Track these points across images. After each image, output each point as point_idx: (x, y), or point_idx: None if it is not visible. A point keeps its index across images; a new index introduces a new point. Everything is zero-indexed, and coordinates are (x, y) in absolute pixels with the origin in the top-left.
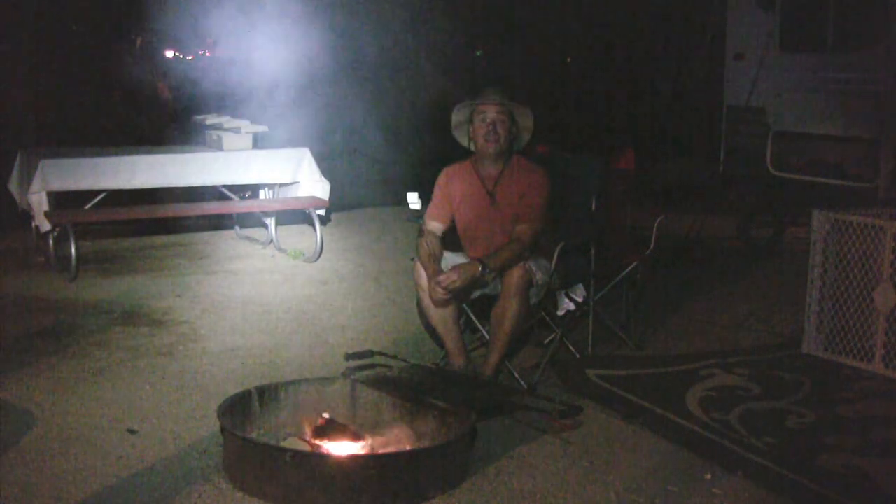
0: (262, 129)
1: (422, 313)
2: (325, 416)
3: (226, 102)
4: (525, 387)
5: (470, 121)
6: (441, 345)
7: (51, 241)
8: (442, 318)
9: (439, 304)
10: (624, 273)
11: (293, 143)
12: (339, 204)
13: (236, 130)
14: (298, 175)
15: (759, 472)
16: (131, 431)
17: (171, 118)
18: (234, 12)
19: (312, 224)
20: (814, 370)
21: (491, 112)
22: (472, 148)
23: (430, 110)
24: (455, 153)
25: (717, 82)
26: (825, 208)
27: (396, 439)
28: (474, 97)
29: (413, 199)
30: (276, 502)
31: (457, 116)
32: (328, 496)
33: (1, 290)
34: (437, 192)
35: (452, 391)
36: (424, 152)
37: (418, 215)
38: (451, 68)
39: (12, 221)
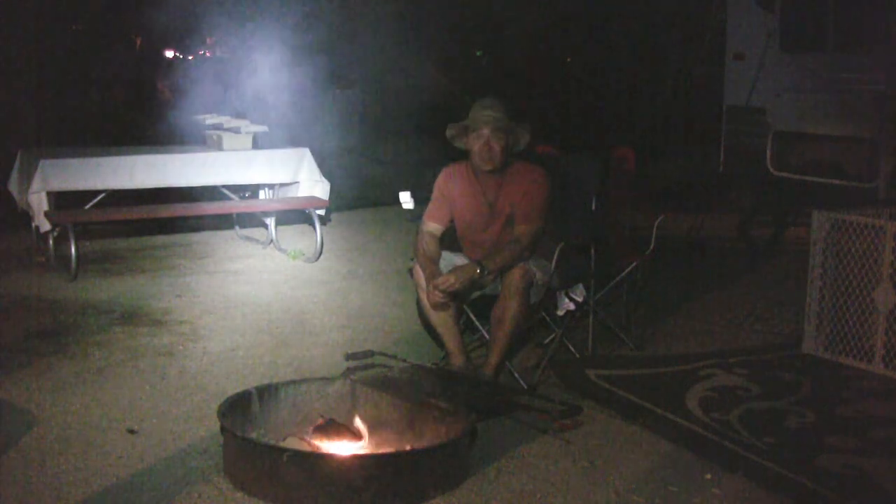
0: (262, 129)
1: (422, 313)
2: (325, 416)
3: (226, 102)
4: (525, 387)
5: (466, 131)
6: (441, 345)
7: (51, 241)
8: (442, 318)
9: (438, 305)
10: (624, 273)
11: (293, 143)
12: (339, 204)
13: (236, 130)
14: (298, 175)
15: (759, 472)
16: (131, 431)
17: (170, 118)
18: (234, 13)
19: (312, 224)
20: (814, 370)
21: (487, 130)
22: (468, 151)
23: (430, 110)
24: (454, 153)
25: (718, 82)
26: (825, 208)
27: (396, 439)
28: (470, 117)
29: (405, 199)
30: (276, 502)
31: (451, 131)
32: (328, 496)
33: (1, 290)
34: (437, 193)
35: (452, 391)
36: (424, 152)
37: (413, 215)
38: (452, 68)
39: (12, 221)
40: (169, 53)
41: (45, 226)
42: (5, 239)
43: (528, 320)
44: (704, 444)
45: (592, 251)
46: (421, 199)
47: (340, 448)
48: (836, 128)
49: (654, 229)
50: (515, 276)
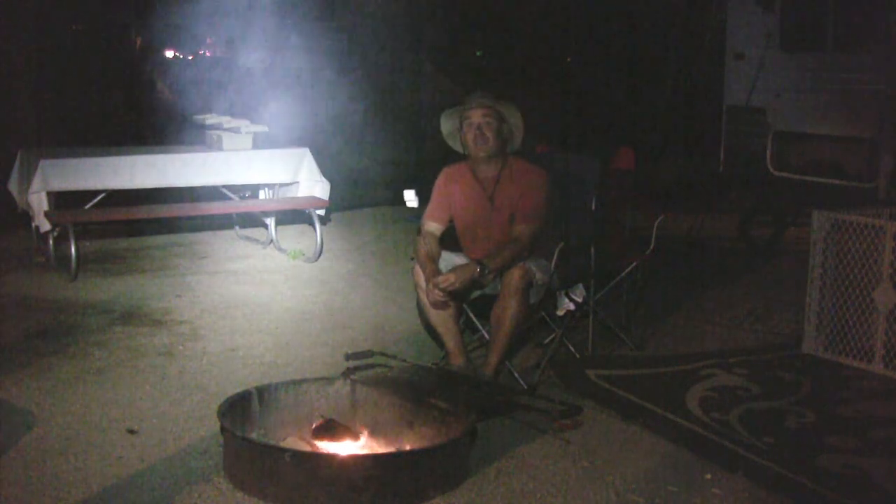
0: (262, 129)
1: (422, 313)
2: (325, 416)
3: (226, 102)
4: (525, 387)
5: (460, 128)
6: (441, 345)
7: (51, 241)
8: (441, 318)
9: (438, 305)
10: (624, 273)
11: (293, 142)
12: (339, 204)
13: (236, 130)
14: (298, 175)
15: (759, 472)
16: (131, 431)
17: (170, 118)
18: (234, 13)
19: (312, 224)
20: (814, 370)
21: (476, 116)
22: (467, 153)
23: (430, 110)
24: (453, 153)
25: (718, 82)
26: (825, 208)
27: (396, 439)
28: (459, 105)
29: (410, 197)
30: (276, 502)
31: (446, 126)
32: (328, 496)
33: (1, 290)
34: (436, 193)
35: (452, 391)
36: (424, 152)
37: (416, 214)
38: (451, 68)
39: (12, 221)
40: (169, 53)
41: (45, 226)
42: (5, 239)
43: (528, 320)
44: (704, 444)
45: (592, 251)
46: (425, 198)
47: (340, 448)
48: (836, 128)
49: (654, 229)
50: (515, 276)
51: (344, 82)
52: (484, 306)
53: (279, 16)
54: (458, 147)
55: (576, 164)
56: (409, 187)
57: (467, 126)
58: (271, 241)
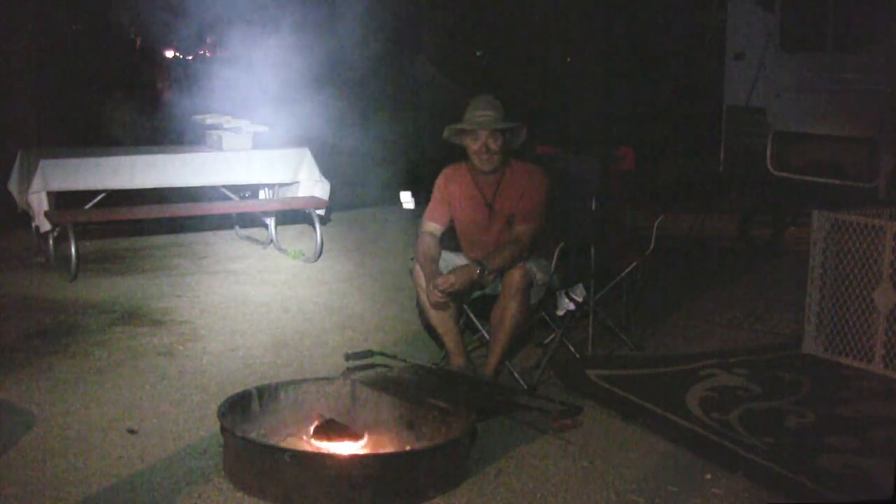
0: (262, 129)
1: (422, 313)
2: (325, 416)
3: (225, 102)
4: (525, 387)
5: (463, 132)
6: (441, 345)
7: (51, 241)
8: (441, 318)
9: (438, 305)
10: (624, 273)
11: (293, 142)
12: (339, 204)
13: (236, 130)
14: (298, 175)
15: (759, 472)
16: (131, 431)
17: (170, 118)
18: (234, 12)
19: (312, 224)
20: (814, 370)
21: (483, 133)
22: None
23: (429, 110)
24: (453, 153)
25: (718, 82)
26: (825, 208)
27: (396, 439)
28: (466, 119)
29: (406, 199)
30: (276, 502)
31: (447, 131)
32: (328, 496)
33: (1, 290)
34: (436, 194)
35: (452, 391)
36: (423, 152)
37: (413, 215)
38: (451, 68)
39: (12, 221)
40: (169, 53)
41: (45, 226)
42: (5, 239)
43: (528, 320)
44: (704, 444)
45: (592, 251)
46: (422, 199)
47: (340, 448)
48: (836, 128)
49: (654, 229)
50: (515, 276)
51: (344, 82)
52: (484, 306)
53: (279, 15)
54: (456, 141)
55: (576, 165)
56: (406, 189)
57: (472, 138)
58: (271, 241)
